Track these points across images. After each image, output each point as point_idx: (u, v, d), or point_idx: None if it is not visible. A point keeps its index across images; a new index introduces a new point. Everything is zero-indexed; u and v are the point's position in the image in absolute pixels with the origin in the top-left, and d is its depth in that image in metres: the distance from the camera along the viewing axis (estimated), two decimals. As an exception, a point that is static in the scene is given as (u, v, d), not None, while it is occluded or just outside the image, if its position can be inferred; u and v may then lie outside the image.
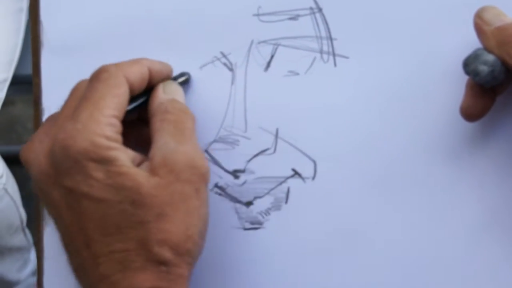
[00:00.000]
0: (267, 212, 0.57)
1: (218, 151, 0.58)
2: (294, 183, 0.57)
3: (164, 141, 0.47)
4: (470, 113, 0.52)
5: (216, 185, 0.58)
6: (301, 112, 0.57)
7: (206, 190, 0.48)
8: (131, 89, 0.49)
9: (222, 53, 0.58)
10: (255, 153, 0.57)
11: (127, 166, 0.46)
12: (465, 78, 0.53)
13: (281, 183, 0.57)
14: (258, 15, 0.58)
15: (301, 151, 0.57)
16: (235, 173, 0.57)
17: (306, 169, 0.57)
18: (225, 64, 0.58)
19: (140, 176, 0.46)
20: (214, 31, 0.59)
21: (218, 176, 0.58)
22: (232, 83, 0.57)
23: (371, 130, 0.57)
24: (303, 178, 0.57)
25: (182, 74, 0.55)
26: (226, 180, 0.57)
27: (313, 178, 0.57)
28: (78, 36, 0.57)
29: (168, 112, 0.49)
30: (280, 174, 0.57)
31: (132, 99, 0.50)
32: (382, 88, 0.57)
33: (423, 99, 0.56)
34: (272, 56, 0.57)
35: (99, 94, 0.47)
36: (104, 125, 0.46)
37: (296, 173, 0.56)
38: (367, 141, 0.56)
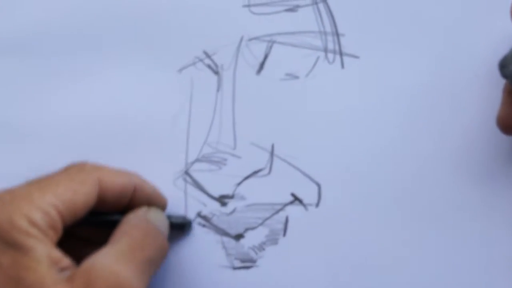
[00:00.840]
0: (261, 247, 0.48)
1: (201, 173, 0.49)
2: (293, 211, 0.48)
3: (107, 252, 0.40)
4: (508, 124, 0.44)
5: (199, 215, 0.49)
6: (301, 124, 0.49)
7: None
8: (101, 199, 0.42)
9: (205, 52, 0.50)
10: (246, 174, 0.49)
11: (39, 262, 0.39)
12: (501, 82, 0.45)
13: (278, 212, 0.48)
14: (249, 6, 0.51)
15: (302, 171, 0.49)
16: (222, 200, 0.49)
17: (308, 194, 0.49)
18: (209, 66, 0.50)
19: (49, 278, 0.38)
20: (195, 27, 0.51)
21: (201, 204, 0.49)
22: (218, 89, 0.50)
23: (387, 146, 0.49)
24: (304, 205, 0.48)
25: (182, 218, 0.48)
26: (211, 208, 0.49)
27: (317, 205, 0.48)
28: (17, 36, 0.50)
29: (136, 228, 0.42)
30: (277, 200, 0.49)
31: (99, 215, 0.44)
32: (399, 95, 0.49)
33: (450, 108, 0.48)
34: (266, 56, 0.50)
35: (55, 180, 0.41)
36: (35, 208, 0.40)
37: (296, 199, 0.48)
38: (383, 159, 0.48)
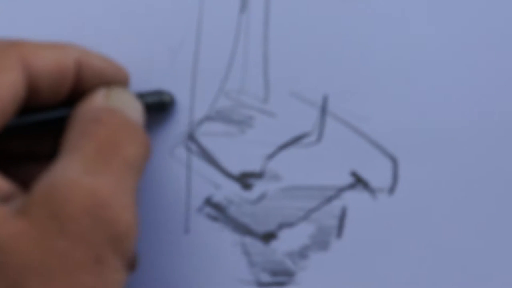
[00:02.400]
0: (302, 253, 0.40)
1: (213, 138, 0.40)
2: (355, 199, 0.40)
3: (67, 165, 0.36)
4: None
5: (208, 201, 0.40)
6: (371, 67, 0.39)
7: (117, 263, 0.35)
8: (33, 86, 0.38)
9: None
10: (282, 142, 0.40)
11: None
12: None
13: (330, 200, 0.39)
14: None
15: (369, 139, 0.39)
16: (245, 180, 0.40)
17: (378, 174, 0.39)
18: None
19: None
20: None
21: (212, 185, 0.40)
22: (243, 9, 0.40)
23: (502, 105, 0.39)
24: (371, 191, 0.39)
25: (157, 93, 0.41)
26: (228, 192, 0.40)
27: (391, 190, 0.39)
28: None
29: (98, 122, 0.37)
30: (330, 182, 0.40)
31: (36, 107, 0.39)
32: None
33: None
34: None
35: None
36: None
37: (359, 181, 0.39)
38: (488, 127, 0.39)
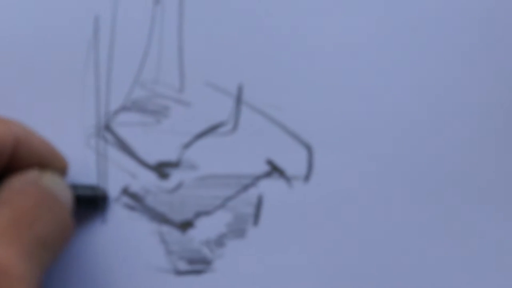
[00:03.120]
0: (219, 241, 0.40)
1: (128, 128, 0.40)
2: (270, 187, 0.40)
3: None
4: None
5: (125, 192, 0.40)
6: (287, 54, 0.40)
7: None
8: None
9: None
10: (198, 131, 0.40)
11: None
12: None
13: (246, 188, 0.40)
14: None
15: (284, 128, 0.39)
16: (162, 169, 0.40)
17: (293, 162, 0.40)
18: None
19: None
20: None
21: (129, 175, 0.40)
22: (157, 0, 0.40)
23: (406, 96, 0.39)
24: (287, 179, 0.39)
25: (91, 188, 0.40)
26: (145, 181, 0.40)
27: (306, 178, 0.39)
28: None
29: (21, 192, 0.37)
30: (246, 170, 0.40)
31: None
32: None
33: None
34: None
35: None
36: None
37: (274, 169, 0.39)
38: (400, 114, 0.39)
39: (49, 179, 0.38)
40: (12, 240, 0.35)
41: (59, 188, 0.38)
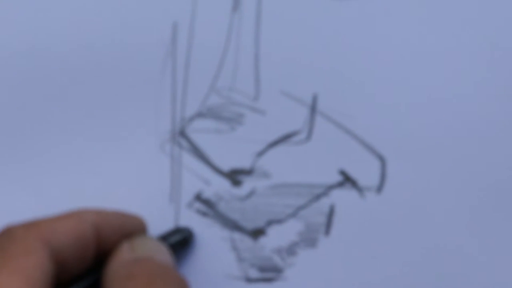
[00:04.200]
0: (291, 250, 0.39)
1: (203, 135, 0.40)
2: (343, 197, 0.39)
3: None
4: None
5: (198, 198, 0.40)
6: (361, 67, 0.39)
7: None
8: (59, 260, 0.36)
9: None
10: (272, 139, 0.40)
11: None
12: None
13: (319, 198, 0.39)
14: None
15: (358, 138, 0.39)
16: (235, 176, 0.40)
17: (366, 173, 0.39)
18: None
19: None
20: None
21: (202, 181, 0.40)
22: (235, 7, 0.40)
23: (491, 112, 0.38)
24: (360, 189, 0.39)
25: (177, 231, 0.40)
26: (218, 188, 0.40)
27: (379, 189, 0.39)
28: None
29: (131, 277, 0.36)
30: (318, 180, 0.39)
31: (67, 279, 0.37)
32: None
33: None
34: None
35: None
36: None
37: (347, 179, 0.39)
38: (477, 124, 0.38)
39: (142, 246, 0.38)
40: None
41: (154, 248, 0.38)
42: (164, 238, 0.39)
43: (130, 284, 0.36)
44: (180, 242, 0.39)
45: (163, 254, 0.38)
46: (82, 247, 0.38)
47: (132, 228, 0.39)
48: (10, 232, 0.37)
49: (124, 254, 0.38)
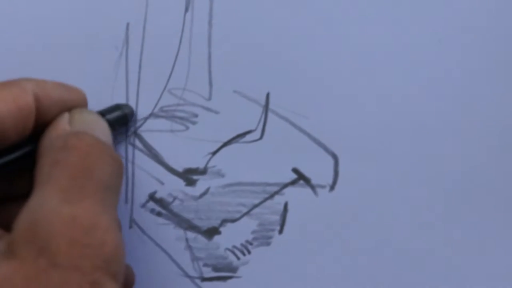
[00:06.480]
0: (245, 248, 0.39)
1: (157, 134, 0.40)
2: (296, 195, 0.39)
3: (43, 198, 0.34)
4: None
5: (151, 197, 0.39)
6: (314, 64, 0.39)
7: (112, 285, 0.33)
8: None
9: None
10: (226, 139, 0.40)
11: None
12: None
13: (272, 196, 0.39)
14: None
15: (311, 136, 0.39)
16: (189, 176, 0.39)
17: (319, 171, 0.39)
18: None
19: None
20: None
21: (156, 181, 0.40)
22: (188, 7, 0.39)
23: (436, 105, 0.39)
24: (313, 187, 0.39)
25: (116, 107, 0.40)
26: (172, 188, 0.40)
27: (332, 187, 0.39)
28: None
29: (67, 148, 0.35)
30: (272, 178, 0.39)
31: (4, 148, 0.37)
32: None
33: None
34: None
35: None
36: None
37: (300, 178, 0.39)
38: (430, 124, 0.39)
39: (81, 120, 0.38)
40: (83, 195, 0.34)
41: (93, 123, 0.38)
42: (104, 113, 0.38)
43: (64, 154, 0.35)
44: (120, 118, 0.39)
45: (102, 130, 0.37)
46: (22, 117, 0.37)
47: (72, 101, 0.39)
48: None
49: (62, 125, 0.37)
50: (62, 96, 0.38)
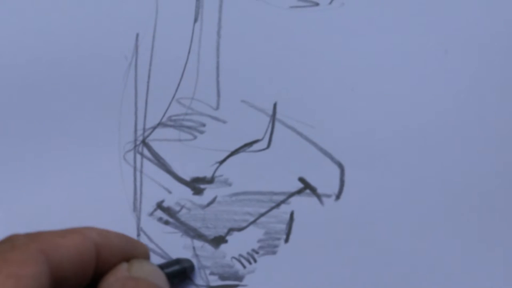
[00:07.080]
0: (251, 257, 0.39)
1: (164, 144, 0.40)
2: (302, 204, 0.39)
3: None
4: None
5: (159, 206, 0.39)
6: (320, 75, 0.39)
7: None
8: (57, 274, 0.36)
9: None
10: (233, 148, 0.40)
11: None
12: None
13: (279, 205, 0.39)
14: None
15: (317, 146, 0.39)
16: (196, 185, 0.40)
17: (325, 180, 0.39)
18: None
19: None
20: None
21: (163, 189, 0.40)
22: (197, 18, 0.40)
23: (446, 115, 0.39)
24: (319, 196, 0.39)
25: (177, 262, 0.40)
26: (179, 196, 0.40)
27: (338, 196, 0.39)
28: None
29: None
30: (278, 188, 0.39)
31: None
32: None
33: None
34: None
35: None
36: None
37: (307, 187, 0.39)
38: (439, 134, 0.39)
39: (140, 268, 0.38)
40: None
41: (152, 273, 0.38)
42: (163, 267, 0.38)
43: None
44: (179, 272, 0.39)
45: (159, 279, 0.38)
46: (82, 265, 0.37)
47: (133, 253, 0.39)
48: (13, 239, 0.36)
49: (121, 272, 0.38)
50: (123, 248, 0.39)
